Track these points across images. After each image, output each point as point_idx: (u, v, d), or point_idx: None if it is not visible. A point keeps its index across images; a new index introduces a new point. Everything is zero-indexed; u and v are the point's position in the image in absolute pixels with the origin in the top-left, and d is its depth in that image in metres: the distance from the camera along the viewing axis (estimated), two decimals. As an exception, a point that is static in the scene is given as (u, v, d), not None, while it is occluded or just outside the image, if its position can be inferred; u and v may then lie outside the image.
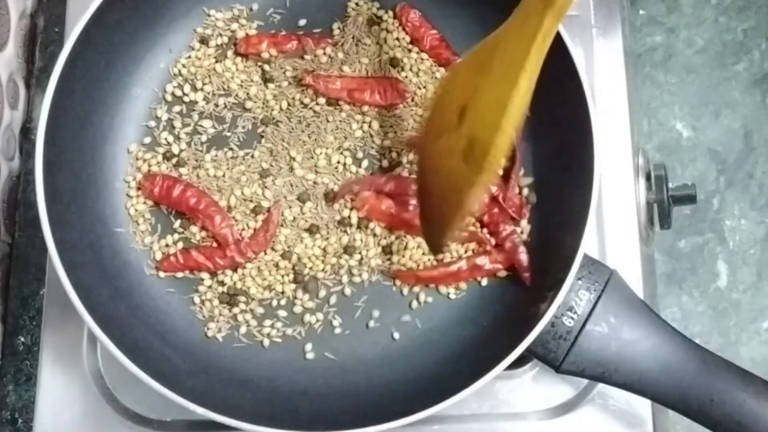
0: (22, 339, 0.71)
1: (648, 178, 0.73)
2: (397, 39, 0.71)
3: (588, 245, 0.62)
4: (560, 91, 0.65)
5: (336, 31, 0.72)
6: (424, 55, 0.71)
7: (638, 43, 1.23)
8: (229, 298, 0.67)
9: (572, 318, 0.62)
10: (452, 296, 0.68)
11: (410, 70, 0.71)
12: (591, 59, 0.74)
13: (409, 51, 0.71)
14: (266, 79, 0.70)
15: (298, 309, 0.68)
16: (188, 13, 0.71)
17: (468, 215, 0.64)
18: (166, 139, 0.70)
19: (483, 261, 0.67)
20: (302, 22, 0.72)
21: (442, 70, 0.71)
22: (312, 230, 0.68)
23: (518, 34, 0.55)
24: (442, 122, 0.59)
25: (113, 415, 0.67)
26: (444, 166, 0.59)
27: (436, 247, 0.64)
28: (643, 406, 0.67)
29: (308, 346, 0.67)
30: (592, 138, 0.63)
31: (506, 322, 0.65)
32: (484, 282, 0.68)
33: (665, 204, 0.73)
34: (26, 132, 0.76)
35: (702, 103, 1.23)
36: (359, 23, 0.71)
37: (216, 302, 0.67)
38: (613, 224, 0.71)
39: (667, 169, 0.74)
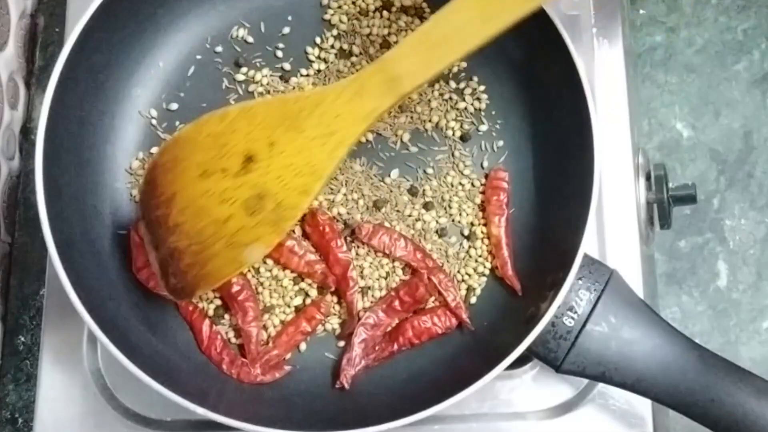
0: (22, 339, 0.71)
1: (648, 178, 0.73)
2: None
3: (588, 245, 0.62)
4: (560, 91, 0.65)
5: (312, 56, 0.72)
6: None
7: (638, 43, 1.23)
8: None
9: (572, 318, 0.62)
10: (452, 296, 0.68)
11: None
12: (591, 59, 0.74)
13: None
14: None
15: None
16: (188, 13, 0.71)
17: (239, 268, 0.59)
18: (166, 137, 0.70)
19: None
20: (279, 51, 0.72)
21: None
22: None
23: (348, 106, 0.52)
24: (215, 161, 0.55)
25: (113, 415, 0.67)
26: (212, 210, 0.55)
27: (177, 292, 0.60)
28: (643, 405, 0.67)
29: (304, 346, 0.67)
30: (592, 138, 0.63)
31: (506, 322, 0.66)
32: (484, 283, 0.68)
33: (665, 204, 0.73)
34: (26, 132, 0.77)
35: (702, 102, 1.23)
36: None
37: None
38: (613, 224, 0.71)
39: (667, 169, 0.74)
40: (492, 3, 0.53)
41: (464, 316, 0.66)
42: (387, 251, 0.67)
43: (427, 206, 0.69)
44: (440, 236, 0.69)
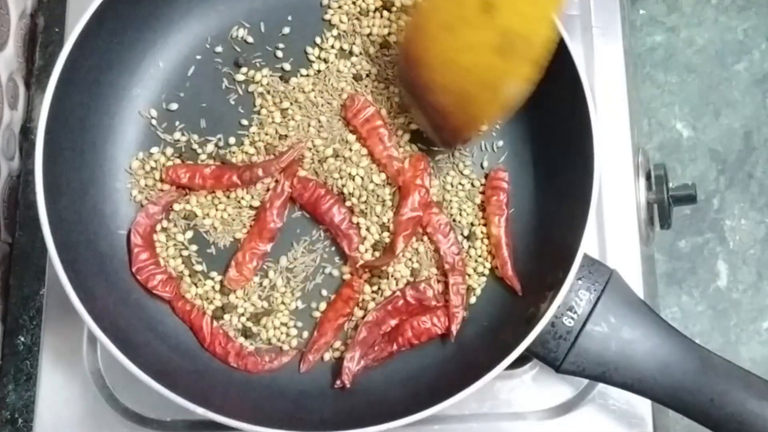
0: (22, 339, 0.71)
1: (648, 177, 0.73)
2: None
3: (588, 245, 0.62)
4: (560, 90, 0.65)
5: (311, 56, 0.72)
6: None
7: (638, 43, 1.23)
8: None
9: (572, 318, 0.62)
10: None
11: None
12: (591, 59, 0.74)
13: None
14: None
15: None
16: (188, 12, 0.71)
17: (504, 107, 0.62)
18: (165, 137, 0.70)
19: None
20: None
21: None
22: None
23: None
24: (456, 16, 0.58)
25: (113, 415, 0.67)
26: (466, 61, 0.57)
27: (450, 143, 0.65)
28: (643, 405, 0.67)
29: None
30: (591, 138, 0.63)
31: (506, 322, 0.65)
32: (483, 283, 0.68)
33: (665, 204, 0.73)
34: (26, 132, 0.76)
35: (702, 102, 1.23)
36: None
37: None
38: (613, 224, 0.71)
39: (667, 169, 0.74)
40: None
41: (454, 326, 0.66)
42: (433, 239, 0.67)
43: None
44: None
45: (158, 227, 0.68)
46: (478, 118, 0.61)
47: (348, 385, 0.64)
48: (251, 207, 0.69)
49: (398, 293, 0.67)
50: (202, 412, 0.59)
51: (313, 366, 0.66)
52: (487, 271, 0.68)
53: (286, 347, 0.67)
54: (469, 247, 0.69)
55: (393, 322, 0.66)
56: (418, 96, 0.64)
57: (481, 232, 0.69)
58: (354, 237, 0.67)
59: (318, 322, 0.67)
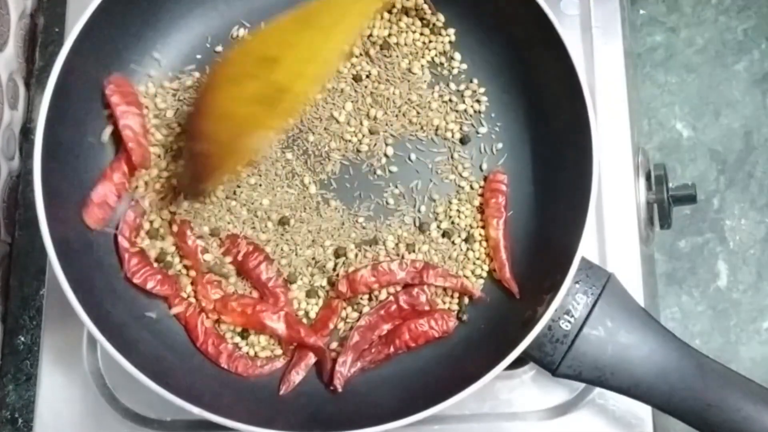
0: (22, 339, 0.71)
1: (648, 177, 0.73)
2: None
3: (588, 245, 0.62)
4: (559, 93, 0.65)
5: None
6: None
7: (638, 43, 1.23)
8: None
9: (569, 321, 0.62)
10: (451, 297, 0.68)
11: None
12: (591, 59, 0.74)
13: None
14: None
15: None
16: (188, 12, 0.71)
17: (247, 158, 0.66)
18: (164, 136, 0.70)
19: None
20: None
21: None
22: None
23: (354, 3, 0.60)
24: (243, 71, 0.61)
25: (113, 415, 0.67)
26: (235, 112, 0.61)
27: (196, 192, 0.66)
28: (642, 406, 0.67)
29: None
30: (590, 141, 0.62)
31: (503, 324, 0.65)
32: (481, 285, 0.68)
33: (665, 204, 0.73)
34: (26, 132, 0.76)
35: (702, 102, 1.23)
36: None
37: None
38: (613, 224, 0.71)
39: (667, 169, 0.74)
40: None
41: (474, 290, 0.66)
42: (378, 286, 0.67)
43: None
44: (442, 237, 0.69)
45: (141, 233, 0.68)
46: (227, 165, 0.63)
47: (340, 390, 0.64)
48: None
49: (391, 298, 0.67)
50: (197, 411, 0.59)
51: (293, 388, 0.65)
52: (484, 274, 0.68)
53: (279, 352, 0.67)
54: (468, 249, 0.69)
55: (386, 327, 0.66)
56: (189, 140, 0.66)
57: (480, 235, 0.69)
58: (281, 296, 0.67)
59: (296, 344, 0.67)
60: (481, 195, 0.70)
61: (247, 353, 0.66)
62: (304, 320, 0.67)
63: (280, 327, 0.65)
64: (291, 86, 0.59)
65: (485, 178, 0.70)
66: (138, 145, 0.67)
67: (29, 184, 0.72)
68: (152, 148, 0.68)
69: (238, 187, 0.69)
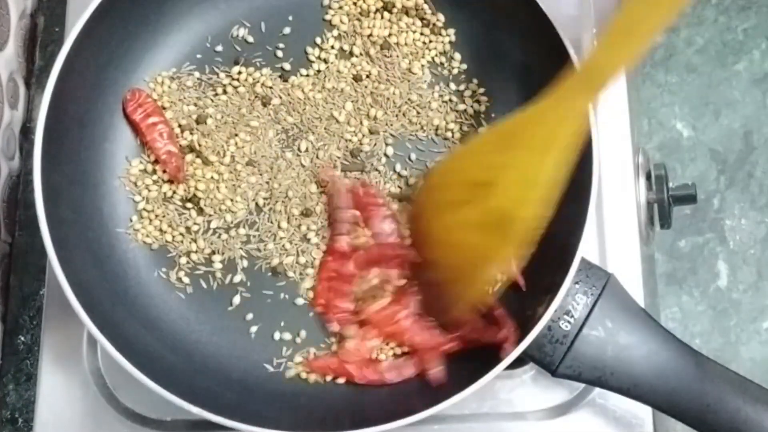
0: (22, 338, 0.71)
1: (648, 177, 0.73)
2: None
3: (588, 245, 0.61)
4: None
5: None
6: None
7: (638, 43, 1.23)
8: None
9: (569, 322, 0.62)
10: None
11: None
12: (591, 59, 0.74)
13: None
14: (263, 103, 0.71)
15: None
16: (189, 12, 0.71)
17: (487, 285, 0.63)
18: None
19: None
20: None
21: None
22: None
23: (552, 113, 0.56)
24: (452, 197, 0.60)
25: (113, 415, 0.67)
26: (456, 240, 0.60)
27: (446, 322, 0.64)
28: (642, 406, 0.67)
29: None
30: (590, 141, 0.62)
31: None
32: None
33: (665, 204, 0.73)
34: (26, 132, 0.77)
35: (702, 102, 1.23)
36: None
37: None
38: (613, 224, 0.71)
39: (668, 169, 0.74)
40: None
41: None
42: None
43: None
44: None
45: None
46: (465, 296, 0.62)
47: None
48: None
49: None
50: (197, 411, 0.59)
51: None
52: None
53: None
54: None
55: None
56: (418, 274, 0.65)
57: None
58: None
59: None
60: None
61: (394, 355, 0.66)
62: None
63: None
64: (515, 212, 0.56)
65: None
66: (170, 156, 0.68)
67: (29, 184, 0.72)
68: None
69: (239, 187, 0.69)
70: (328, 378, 0.66)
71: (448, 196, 0.61)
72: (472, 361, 0.63)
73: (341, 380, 0.65)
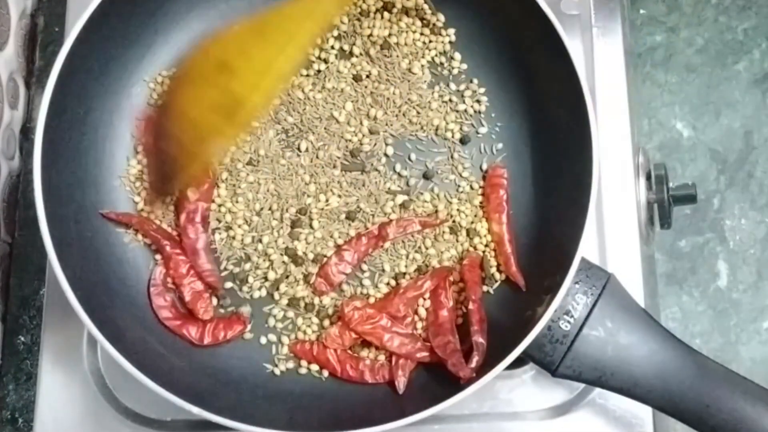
0: (22, 338, 0.71)
1: (648, 177, 0.73)
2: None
3: (588, 245, 0.61)
4: (559, 93, 0.65)
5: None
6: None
7: (638, 43, 1.23)
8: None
9: (569, 322, 0.62)
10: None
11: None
12: (591, 59, 0.74)
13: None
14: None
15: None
16: (189, 12, 0.71)
17: (206, 164, 0.67)
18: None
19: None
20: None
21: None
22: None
23: (300, 11, 0.61)
24: (203, 75, 0.62)
25: (113, 415, 0.67)
26: (196, 118, 0.62)
27: (161, 191, 0.67)
28: (642, 406, 0.67)
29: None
30: (590, 142, 0.62)
31: (503, 325, 0.65)
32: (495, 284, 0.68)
33: (665, 203, 0.73)
34: (26, 131, 0.77)
35: (702, 102, 1.23)
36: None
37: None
38: (614, 224, 0.71)
39: (668, 169, 0.74)
40: None
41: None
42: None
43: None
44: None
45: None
46: (189, 168, 0.64)
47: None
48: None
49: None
50: (197, 411, 0.59)
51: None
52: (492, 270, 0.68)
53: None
54: (469, 248, 0.69)
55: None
56: (154, 140, 0.66)
57: (479, 235, 0.69)
58: None
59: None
60: (482, 194, 0.69)
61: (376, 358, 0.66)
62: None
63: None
64: (247, 98, 0.60)
65: (485, 177, 0.70)
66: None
67: (29, 184, 0.72)
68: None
69: (239, 187, 0.69)
70: (325, 375, 0.66)
71: (197, 71, 0.63)
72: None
73: (341, 380, 0.65)
